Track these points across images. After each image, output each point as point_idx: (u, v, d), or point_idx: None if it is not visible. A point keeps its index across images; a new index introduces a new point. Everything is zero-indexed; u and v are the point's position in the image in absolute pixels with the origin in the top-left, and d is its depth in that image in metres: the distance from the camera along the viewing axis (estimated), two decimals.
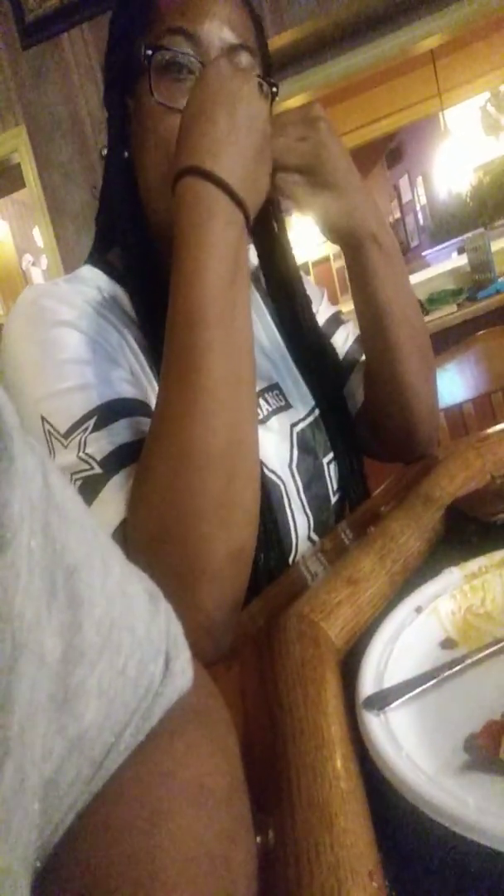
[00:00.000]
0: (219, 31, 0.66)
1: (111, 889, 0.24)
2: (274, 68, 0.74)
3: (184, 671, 0.34)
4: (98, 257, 0.75)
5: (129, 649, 0.29)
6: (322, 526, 0.74)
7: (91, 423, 0.57)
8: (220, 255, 0.53)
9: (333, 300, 0.95)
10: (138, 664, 0.30)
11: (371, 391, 0.79)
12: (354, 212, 0.67)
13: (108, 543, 0.32)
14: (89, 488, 0.55)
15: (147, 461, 0.53)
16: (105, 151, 0.74)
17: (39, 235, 4.17)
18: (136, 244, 0.70)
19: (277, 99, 0.72)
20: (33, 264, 5.82)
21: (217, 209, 0.54)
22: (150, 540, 0.50)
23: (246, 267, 0.56)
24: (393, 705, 0.36)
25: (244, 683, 0.43)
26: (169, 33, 0.65)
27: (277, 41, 3.08)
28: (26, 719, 0.22)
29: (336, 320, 0.89)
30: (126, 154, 0.71)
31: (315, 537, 0.73)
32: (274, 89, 0.71)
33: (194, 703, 0.34)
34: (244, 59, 0.67)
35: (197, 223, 0.54)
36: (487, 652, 0.39)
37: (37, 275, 5.83)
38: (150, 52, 0.65)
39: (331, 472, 0.77)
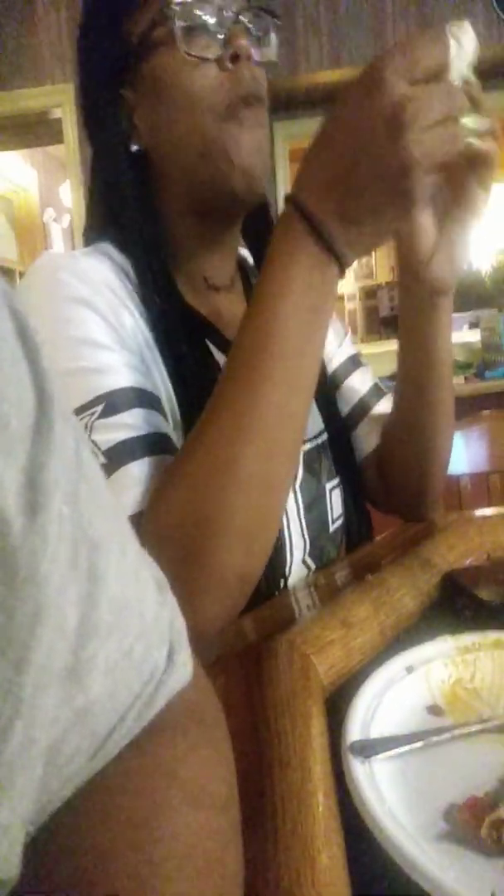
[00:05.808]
0: None
1: (111, 873, 0.24)
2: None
3: (185, 664, 0.34)
4: (113, 236, 0.71)
5: (137, 632, 0.29)
6: (318, 551, 0.75)
7: (99, 408, 0.56)
8: (301, 290, 0.52)
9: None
10: (144, 648, 0.30)
11: (394, 445, 0.79)
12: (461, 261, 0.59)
13: (126, 524, 0.32)
14: None
15: (183, 466, 0.53)
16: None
17: (66, 194, 4.14)
18: (148, 233, 0.68)
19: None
20: (55, 220, 5.78)
21: (308, 257, 0.51)
22: (164, 540, 0.50)
23: (330, 309, 0.54)
24: (378, 756, 0.37)
25: (229, 697, 0.44)
26: None
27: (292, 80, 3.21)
28: (39, 683, 0.22)
29: (355, 361, 0.88)
30: (135, 147, 0.68)
31: (310, 561, 0.73)
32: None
33: (195, 704, 0.34)
34: (253, 15, 0.65)
35: (286, 261, 0.52)
36: (474, 729, 0.40)
37: (57, 231, 5.80)
38: (174, 7, 0.62)
39: (332, 499, 0.78)
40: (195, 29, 0.63)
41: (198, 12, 0.63)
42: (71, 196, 3.54)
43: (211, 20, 0.63)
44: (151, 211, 0.70)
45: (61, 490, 0.24)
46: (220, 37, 0.63)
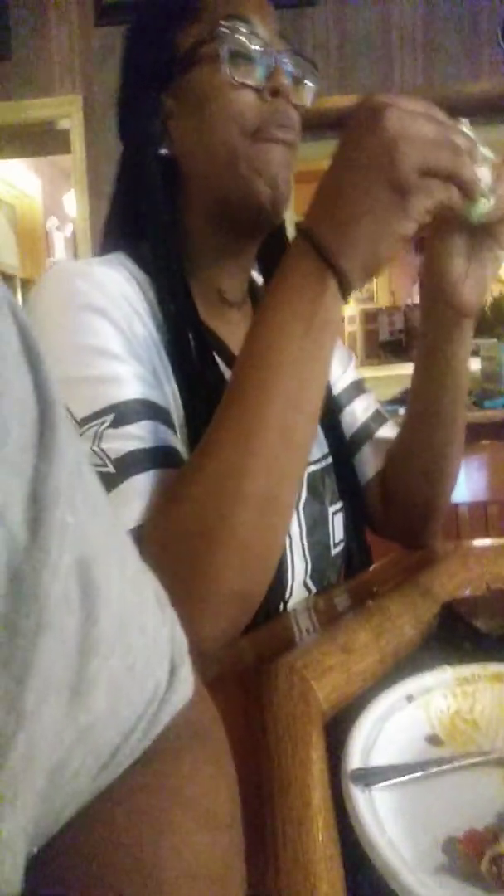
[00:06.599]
0: (268, 21, 0.67)
1: (116, 893, 0.24)
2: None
3: (187, 680, 0.34)
4: (130, 248, 0.73)
5: (139, 649, 0.29)
6: (319, 574, 0.74)
7: (109, 418, 0.57)
8: (296, 300, 0.54)
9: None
10: (146, 665, 0.30)
11: (401, 469, 0.79)
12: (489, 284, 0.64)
13: (125, 537, 0.32)
14: None
15: (186, 480, 0.54)
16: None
17: (70, 203, 4.17)
18: (171, 241, 0.70)
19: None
20: (58, 228, 5.84)
21: (303, 268, 0.54)
22: (164, 553, 0.50)
23: (329, 322, 0.55)
24: (378, 785, 0.37)
25: (227, 718, 0.44)
26: (229, 19, 0.65)
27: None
28: (41, 696, 0.22)
29: (358, 387, 0.89)
30: (164, 151, 0.70)
31: (310, 584, 0.73)
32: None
33: (197, 723, 0.34)
34: (294, 60, 0.69)
35: (284, 273, 0.55)
36: (473, 761, 0.40)
37: (59, 239, 5.85)
38: (225, 30, 0.65)
39: (334, 523, 0.78)
40: (241, 55, 0.66)
41: (246, 40, 0.66)
42: (75, 206, 3.55)
43: (257, 51, 0.66)
44: (174, 218, 0.71)
45: (63, 500, 0.24)
46: (263, 68, 0.66)
